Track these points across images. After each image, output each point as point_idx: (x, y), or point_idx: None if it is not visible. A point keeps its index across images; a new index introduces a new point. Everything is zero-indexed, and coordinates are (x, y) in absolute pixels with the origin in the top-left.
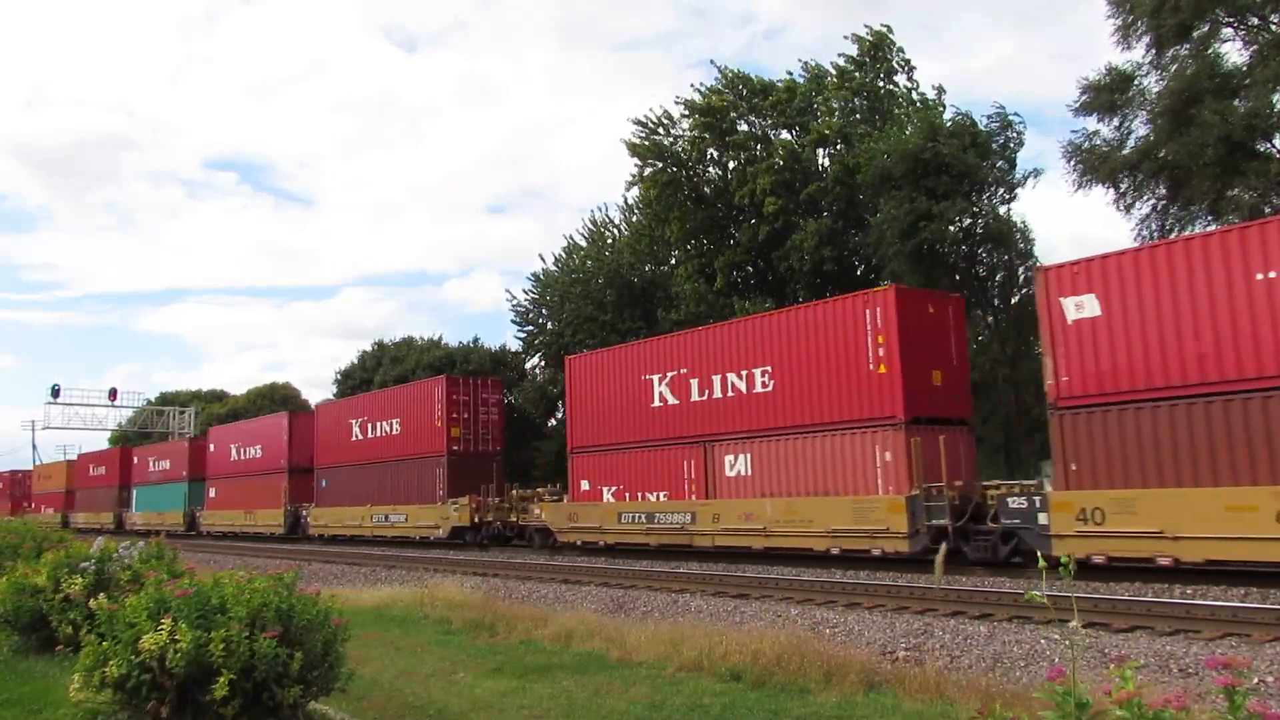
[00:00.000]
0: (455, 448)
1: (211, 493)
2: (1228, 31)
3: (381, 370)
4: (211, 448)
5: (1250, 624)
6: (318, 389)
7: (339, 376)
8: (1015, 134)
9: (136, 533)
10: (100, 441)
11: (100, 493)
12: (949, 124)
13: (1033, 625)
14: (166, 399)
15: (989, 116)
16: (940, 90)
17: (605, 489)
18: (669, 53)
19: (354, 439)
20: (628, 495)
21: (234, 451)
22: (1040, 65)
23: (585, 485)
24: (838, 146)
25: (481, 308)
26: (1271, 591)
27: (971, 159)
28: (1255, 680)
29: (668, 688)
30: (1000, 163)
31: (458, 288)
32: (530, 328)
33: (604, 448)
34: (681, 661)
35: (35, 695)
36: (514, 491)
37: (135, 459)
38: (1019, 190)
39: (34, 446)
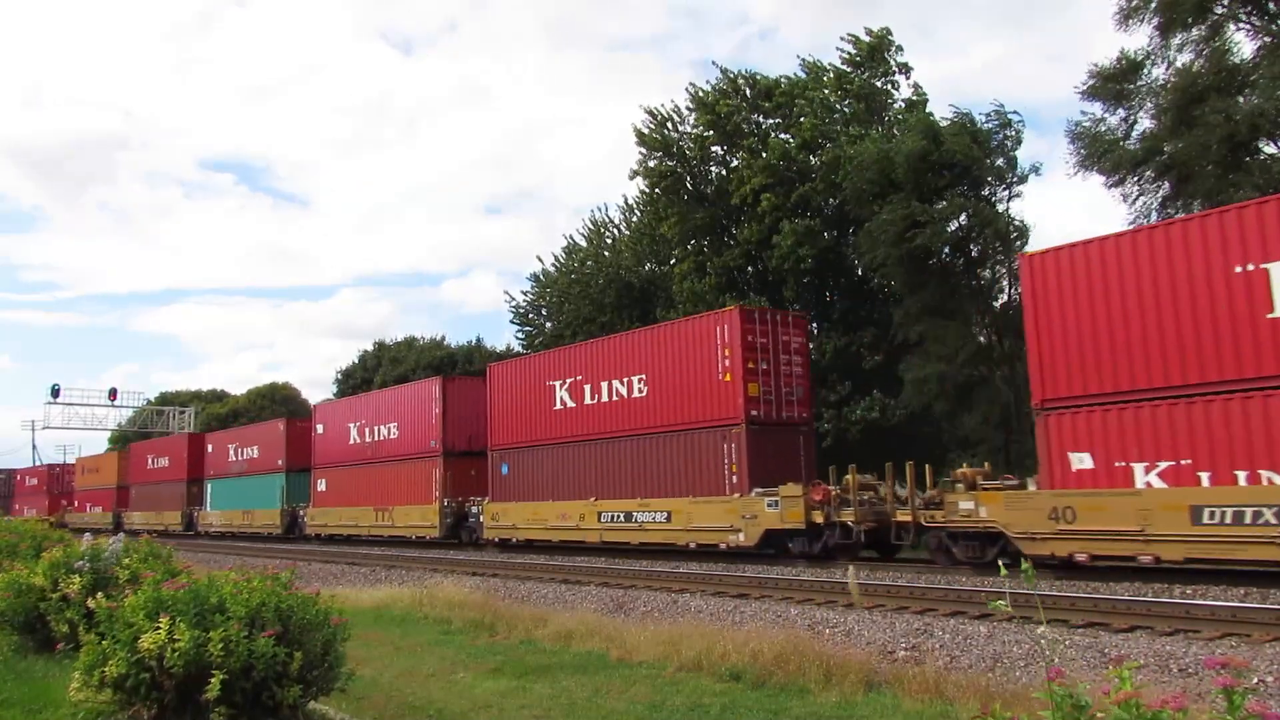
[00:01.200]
0: (754, 412)
1: (320, 485)
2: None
3: (382, 371)
4: (319, 429)
5: (1250, 624)
6: (317, 389)
7: (339, 376)
8: (1014, 132)
9: (211, 536)
10: (101, 442)
11: (163, 489)
12: (945, 124)
13: (1032, 625)
14: (166, 399)
15: (987, 115)
16: (917, 87)
17: (1138, 467)
18: (663, 53)
19: (557, 408)
20: (1205, 477)
21: (353, 433)
22: (1034, 66)
23: (1083, 461)
24: (817, 153)
25: (479, 308)
26: (1272, 591)
27: (975, 151)
28: (1255, 680)
29: (667, 688)
30: (1000, 160)
31: (455, 288)
32: (529, 328)
33: (1123, 398)
34: (681, 661)
35: (35, 695)
36: (886, 480)
37: (210, 446)
38: (1020, 187)
39: (34, 446)
